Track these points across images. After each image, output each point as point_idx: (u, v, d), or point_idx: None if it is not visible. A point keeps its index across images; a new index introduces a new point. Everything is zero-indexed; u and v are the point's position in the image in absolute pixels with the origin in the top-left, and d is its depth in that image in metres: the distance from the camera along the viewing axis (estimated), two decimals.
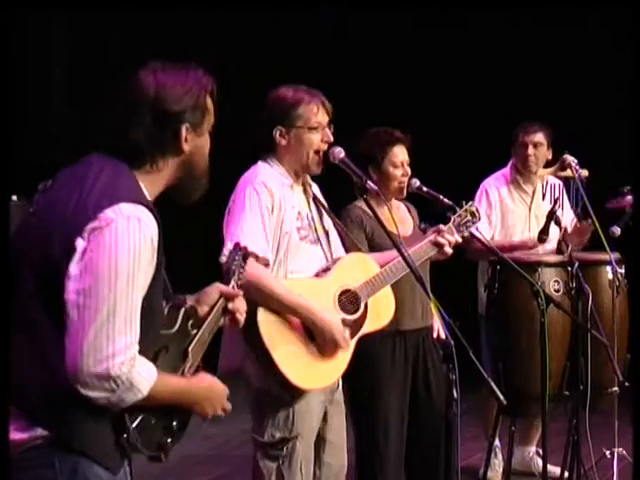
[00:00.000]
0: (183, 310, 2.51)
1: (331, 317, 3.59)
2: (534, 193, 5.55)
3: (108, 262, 2.26)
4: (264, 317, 3.48)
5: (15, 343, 2.34)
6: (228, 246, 3.22)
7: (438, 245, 3.96)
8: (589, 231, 5.10)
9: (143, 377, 2.30)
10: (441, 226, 4.02)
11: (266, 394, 3.50)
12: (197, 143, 2.51)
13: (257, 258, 3.16)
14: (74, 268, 2.28)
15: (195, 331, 2.53)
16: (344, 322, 3.64)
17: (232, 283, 2.76)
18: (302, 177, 3.72)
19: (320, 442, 3.71)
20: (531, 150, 5.47)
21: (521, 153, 5.52)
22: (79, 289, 2.26)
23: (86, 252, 2.28)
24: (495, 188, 5.58)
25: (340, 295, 3.67)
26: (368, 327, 3.72)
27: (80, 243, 2.29)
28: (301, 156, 3.62)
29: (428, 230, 4.10)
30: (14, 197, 6.76)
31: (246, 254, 2.93)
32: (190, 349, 2.50)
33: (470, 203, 4.12)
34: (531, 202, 5.55)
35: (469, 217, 4.09)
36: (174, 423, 2.44)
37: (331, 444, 3.75)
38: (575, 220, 5.22)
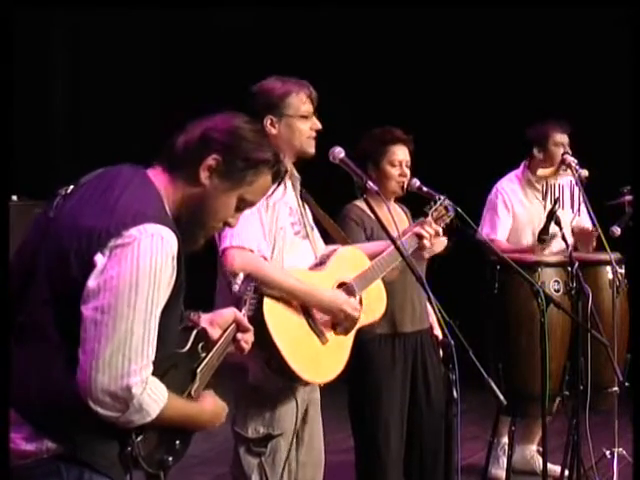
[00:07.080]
0: (195, 332, 2.52)
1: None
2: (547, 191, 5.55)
3: (129, 280, 2.23)
4: (270, 307, 3.45)
5: (21, 345, 2.31)
6: (240, 276, 3.23)
7: (420, 237, 3.97)
8: (593, 238, 5.11)
9: (153, 400, 2.28)
10: (424, 219, 4.04)
11: (258, 390, 3.47)
12: (218, 187, 2.43)
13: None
14: (93, 283, 2.24)
15: (204, 354, 2.54)
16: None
17: (243, 312, 2.79)
18: (290, 170, 3.71)
19: (297, 441, 3.66)
20: (568, 149, 5.40)
21: (557, 152, 5.38)
22: (97, 306, 2.23)
23: (106, 269, 2.24)
24: (510, 190, 5.55)
25: (337, 288, 3.66)
26: (363, 320, 3.71)
27: (100, 259, 2.25)
28: (293, 143, 3.61)
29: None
30: (14, 197, 6.78)
31: (258, 286, 2.98)
32: (199, 371, 2.50)
33: (443, 197, 4.11)
34: (545, 200, 5.55)
35: (443, 211, 4.11)
36: (177, 442, 2.46)
37: (309, 445, 3.71)
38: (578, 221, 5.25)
